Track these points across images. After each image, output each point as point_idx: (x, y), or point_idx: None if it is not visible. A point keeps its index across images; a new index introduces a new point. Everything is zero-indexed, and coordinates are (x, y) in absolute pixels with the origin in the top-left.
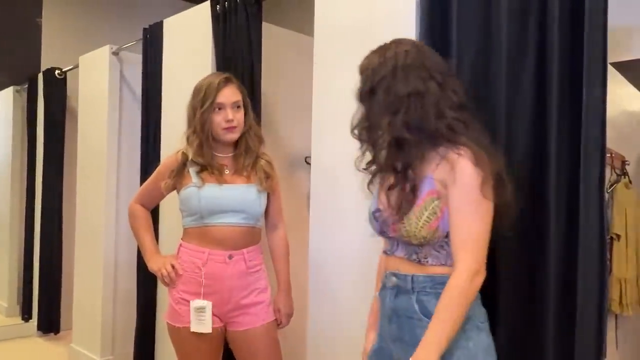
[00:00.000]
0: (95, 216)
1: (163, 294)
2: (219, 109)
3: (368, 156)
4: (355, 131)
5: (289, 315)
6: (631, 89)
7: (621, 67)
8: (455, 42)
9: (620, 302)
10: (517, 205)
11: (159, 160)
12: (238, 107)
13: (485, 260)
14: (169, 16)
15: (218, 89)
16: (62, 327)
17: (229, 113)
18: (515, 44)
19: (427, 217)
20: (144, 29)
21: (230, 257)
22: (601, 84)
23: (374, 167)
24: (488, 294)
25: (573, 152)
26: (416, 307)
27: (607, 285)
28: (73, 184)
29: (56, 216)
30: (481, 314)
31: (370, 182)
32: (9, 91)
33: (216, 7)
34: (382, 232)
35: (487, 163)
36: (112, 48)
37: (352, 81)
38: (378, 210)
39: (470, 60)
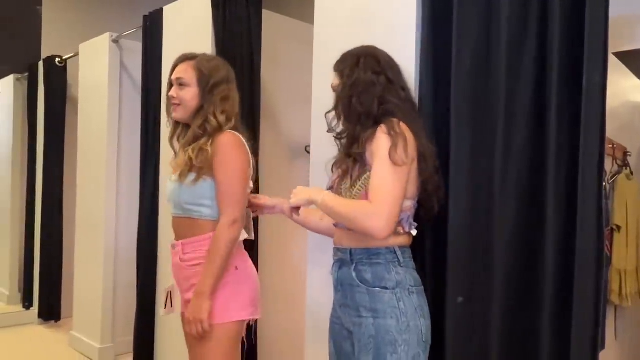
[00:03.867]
0: (96, 204)
1: (162, 282)
2: (172, 85)
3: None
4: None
5: (192, 322)
6: (634, 80)
7: (624, 57)
8: (456, 28)
9: (620, 293)
10: (442, 193)
11: (158, 149)
12: (180, 84)
13: (392, 212)
14: (169, 3)
15: (173, 67)
16: (63, 314)
17: (172, 90)
18: (516, 31)
19: (359, 188)
20: (144, 17)
21: (173, 247)
22: (602, 71)
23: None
24: (483, 286)
25: (573, 142)
26: (354, 275)
27: (603, 277)
28: (74, 172)
29: (57, 204)
30: (412, 279)
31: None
32: (9, 79)
33: None
34: None
35: (401, 133)
36: (112, 36)
37: None
38: (331, 187)
39: (471, 48)
